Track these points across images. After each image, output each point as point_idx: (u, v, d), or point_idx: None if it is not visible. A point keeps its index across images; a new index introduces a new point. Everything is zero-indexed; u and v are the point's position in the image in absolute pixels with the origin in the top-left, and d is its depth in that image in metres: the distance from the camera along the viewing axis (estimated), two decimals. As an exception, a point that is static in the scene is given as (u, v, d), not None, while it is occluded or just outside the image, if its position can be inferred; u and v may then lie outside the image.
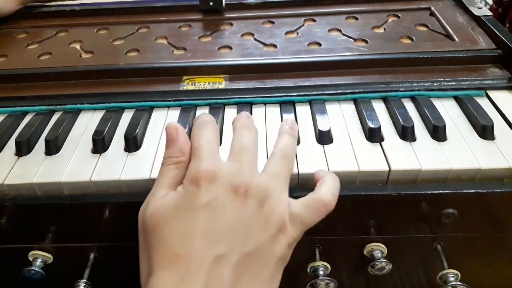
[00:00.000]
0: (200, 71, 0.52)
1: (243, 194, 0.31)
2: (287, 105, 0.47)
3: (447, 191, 0.38)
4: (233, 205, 0.31)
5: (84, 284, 0.41)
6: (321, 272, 0.42)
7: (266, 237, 0.31)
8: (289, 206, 0.33)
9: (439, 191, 0.38)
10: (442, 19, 0.59)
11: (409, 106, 0.46)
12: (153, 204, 0.32)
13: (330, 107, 0.47)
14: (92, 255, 0.44)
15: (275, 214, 0.32)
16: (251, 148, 0.35)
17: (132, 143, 0.43)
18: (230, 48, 0.56)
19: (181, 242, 0.30)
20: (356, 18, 0.62)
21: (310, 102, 0.48)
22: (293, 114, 0.46)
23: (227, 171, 0.32)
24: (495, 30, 0.53)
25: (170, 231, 0.30)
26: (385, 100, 0.47)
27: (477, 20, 0.58)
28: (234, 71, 0.52)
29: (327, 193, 0.34)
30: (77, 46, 0.60)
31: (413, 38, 0.55)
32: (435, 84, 0.48)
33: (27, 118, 0.48)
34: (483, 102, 0.46)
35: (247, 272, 0.30)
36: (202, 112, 0.47)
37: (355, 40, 0.56)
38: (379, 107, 0.46)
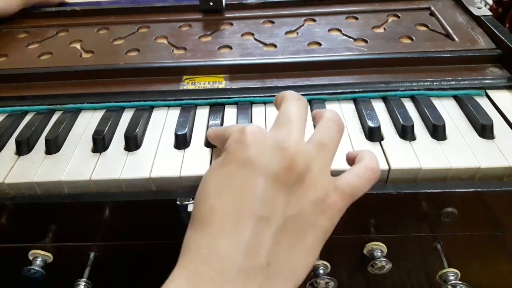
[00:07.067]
0: (200, 70, 0.52)
1: (289, 160, 0.30)
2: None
3: (447, 190, 0.38)
4: (279, 166, 0.30)
5: (84, 283, 0.41)
6: (321, 271, 0.42)
7: (308, 205, 0.30)
8: (336, 179, 0.32)
9: (438, 190, 0.38)
10: (442, 19, 0.59)
11: (409, 105, 0.46)
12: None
13: (330, 106, 0.47)
14: (92, 254, 0.44)
15: (320, 184, 0.31)
16: (301, 117, 0.34)
17: (132, 143, 0.43)
18: (230, 47, 0.56)
19: (230, 198, 0.29)
20: (356, 18, 0.62)
21: (310, 102, 0.48)
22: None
23: (273, 136, 0.32)
24: (495, 30, 0.53)
25: (216, 184, 0.30)
26: (385, 99, 0.47)
27: (477, 20, 0.58)
28: (234, 71, 0.52)
29: (372, 161, 0.34)
30: (78, 45, 0.60)
31: (413, 38, 0.55)
32: (434, 83, 0.48)
33: (27, 118, 0.48)
34: (483, 102, 0.46)
35: (286, 239, 0.30)
36: (203, 112, 0.47)
37: (355, 40, 0.56)
38: (379, 107, 0.46)
